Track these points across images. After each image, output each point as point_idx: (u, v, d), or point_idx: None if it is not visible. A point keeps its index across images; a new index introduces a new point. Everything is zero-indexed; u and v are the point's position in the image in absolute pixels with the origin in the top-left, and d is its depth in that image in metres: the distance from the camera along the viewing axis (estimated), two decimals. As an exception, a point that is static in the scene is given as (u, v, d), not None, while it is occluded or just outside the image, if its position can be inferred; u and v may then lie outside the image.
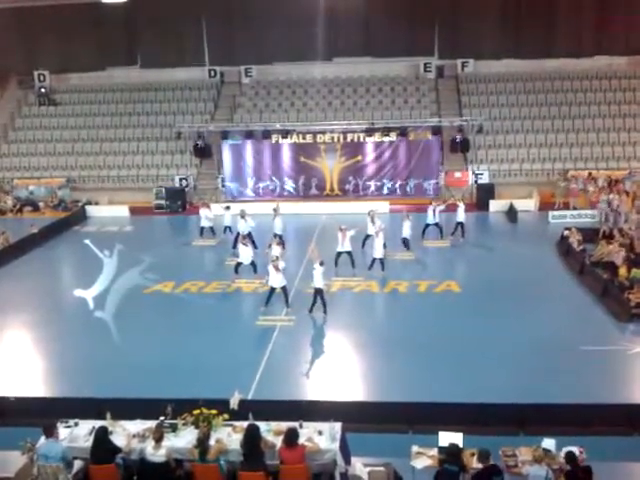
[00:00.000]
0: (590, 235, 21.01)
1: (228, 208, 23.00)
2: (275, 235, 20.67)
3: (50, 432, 9.00)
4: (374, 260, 18.93)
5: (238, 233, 20.61)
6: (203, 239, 23.00)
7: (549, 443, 9.00)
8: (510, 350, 13.68)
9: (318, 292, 15.81)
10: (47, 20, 33.12)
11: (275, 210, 21.60)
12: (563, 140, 29.37)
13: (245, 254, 18.41)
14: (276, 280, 15.97)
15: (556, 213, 24.90)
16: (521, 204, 26.09)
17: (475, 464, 8.65)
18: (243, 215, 21.16)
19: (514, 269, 19.05)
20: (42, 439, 9.14)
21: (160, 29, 33.17)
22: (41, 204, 29.57)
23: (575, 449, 8.71)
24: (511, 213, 25.46)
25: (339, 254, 18.91)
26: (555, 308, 16.12)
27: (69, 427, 9.65)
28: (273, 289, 16.10)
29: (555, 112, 30.39)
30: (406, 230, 20.52)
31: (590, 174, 27.02)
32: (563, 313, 15.83)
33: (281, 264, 15.97)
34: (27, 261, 21.88)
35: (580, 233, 20.57)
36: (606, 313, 15.65)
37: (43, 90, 34.08)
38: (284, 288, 16.08)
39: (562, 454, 8.88)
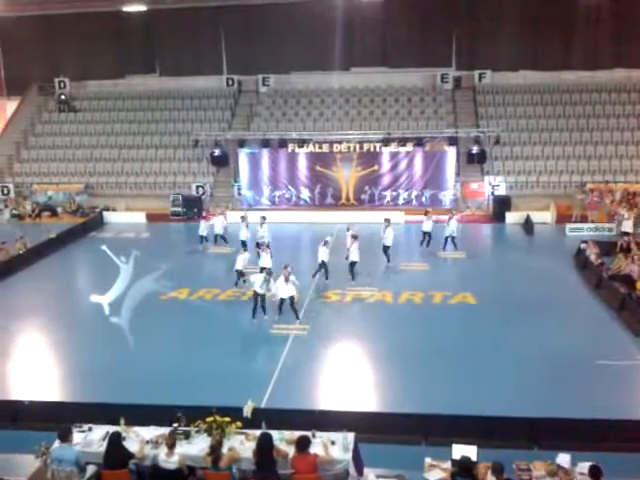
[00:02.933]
0: (607, 248, 20.83)
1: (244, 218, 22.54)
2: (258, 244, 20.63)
3: (65, 437, 9.06)
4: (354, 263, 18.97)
5: (242, 241, 21.17)
6: (218, 246, 23.09)
7: (564, 458, 8.91)
8: (525, 363, 13.55)
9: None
10: (68, 28, 33.72)
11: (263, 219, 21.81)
12: (581, 152, 29.21)
13: (265, 260, 18.47)
14: (285, 291, 15.99)
15: (573, 226, 24.71)
16: (538, 216, 25.91)
17: (489, 478, 8.58)
18: (262, 222, 21.42)
19: (530, 282, 18.91)
20: (56, 443, 9.19)
21: (179, 38, 33.63)
22: (59, 209, 29.91)
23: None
24: (528, 225, 25.32)
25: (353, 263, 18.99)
26: (571, 322, 15.98)
27: (83, 432, 9.70)
28: (282, 299, 16.12)
29: (573, 124, 30.27)
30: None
31: (607, 182, 26.90)
32: (579, 327, 15.68)
33: (292, 276, 16.03)
34: (45, 266, 22.09)
35: (597, 246, 20.38)
36: (623, 327, 15.46)
37: (63, 97, 34.51)
38: (292, 298, 16.05)
39: (577, 469, 8.79)
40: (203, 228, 23.11)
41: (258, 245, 20.39)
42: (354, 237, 19.17)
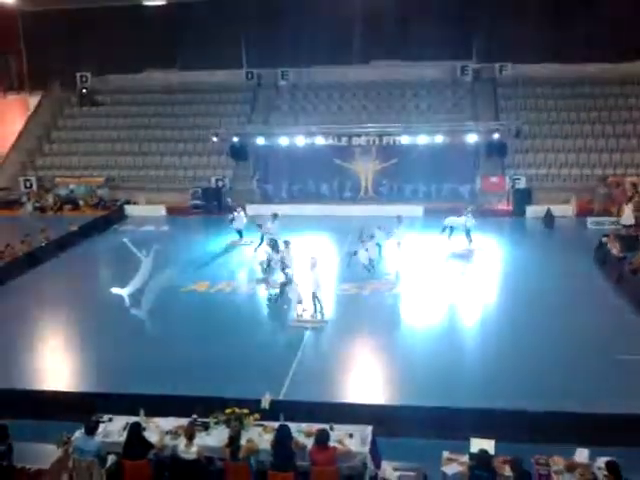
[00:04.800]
0: (629, 242, 20.57)
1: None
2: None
3: (92, 431, 9.18)
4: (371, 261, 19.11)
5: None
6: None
7: (582, 453, 8.87)
8: (545, 358, 13.47)
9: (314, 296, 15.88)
10: (89, 23, 33.93)
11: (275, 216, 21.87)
12: (603, 145, 28.83)
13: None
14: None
15: (594, 219, 24.45)
16: (559, 210, 25.68)
17: (507, 471, 8.58)
18: (274, 219, 21.43)
19: (550, 275, 18.76)
20: (77, 433, 9.33)
21: (198, 32, 33.69)
22: (81, 202, 30.19)
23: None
24: (548, 219, 25.09)
25: (371, 260, 19.06)
26: (592, 316, 15.83)
27: (103, 422, 9.84)
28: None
29: (595, 117, 29.90)
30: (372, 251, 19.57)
31: (624, 175, 26.67)
32: (600, 321, 15.53)
33: (314, 268, 16.08)
34: (66, 258, 22.37)
35: (619, 240, 20.16)
36: (645, 322, 15.34)
37: (84, 91, 34.82)
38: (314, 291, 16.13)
39: (595, 465, 8.75)
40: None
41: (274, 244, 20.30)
42: (371, 236, 19.46)
